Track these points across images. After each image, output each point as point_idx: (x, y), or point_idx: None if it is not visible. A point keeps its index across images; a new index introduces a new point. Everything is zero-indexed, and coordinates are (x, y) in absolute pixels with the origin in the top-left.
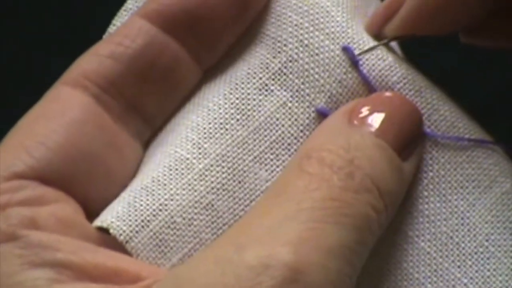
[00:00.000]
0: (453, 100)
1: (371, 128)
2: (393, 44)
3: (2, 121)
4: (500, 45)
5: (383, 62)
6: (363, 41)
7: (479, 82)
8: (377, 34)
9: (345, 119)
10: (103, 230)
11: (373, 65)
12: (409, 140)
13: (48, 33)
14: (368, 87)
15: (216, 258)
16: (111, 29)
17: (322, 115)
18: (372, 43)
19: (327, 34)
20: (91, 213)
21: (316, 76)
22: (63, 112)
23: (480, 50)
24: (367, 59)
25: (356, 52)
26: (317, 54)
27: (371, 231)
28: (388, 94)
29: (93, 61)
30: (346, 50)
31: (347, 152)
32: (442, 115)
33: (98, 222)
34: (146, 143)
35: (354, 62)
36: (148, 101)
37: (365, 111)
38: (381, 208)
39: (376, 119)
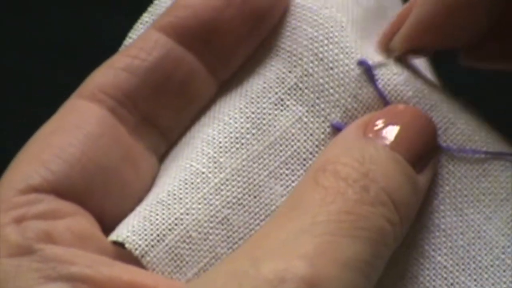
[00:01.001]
0: (471, 111)
1: (385, 141)
2: (419, 61)
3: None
4: (498, 67)
5: (398, 77)
6: (378, 53)
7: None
8: (386, 49)
9: (359, 132)
10: (119, 244)
11: (388, 79)
12: (423, 152)
13: (55, 41)
14: (383, 102)
15: (233, 271)
16: (127, 41)
17: (337, 130)
18: (384, 59)
19: (341, 48)
20: (107, 227)
21: (331, 90)
22: (79, 125)
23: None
24: (382, 74)
25: (372, 65)
26: (331, 68)
27: (386, 245)
28: (402, 107)
29: (109, 74)
30: (361, 64)
31: (361, 165)
32: (459, 128)
33: (113, 236)
34: (162, 157)
35: (369, 76)
36: (163, 114)
37: (379, 124)
38: (396, 221)
39: (390, 132)
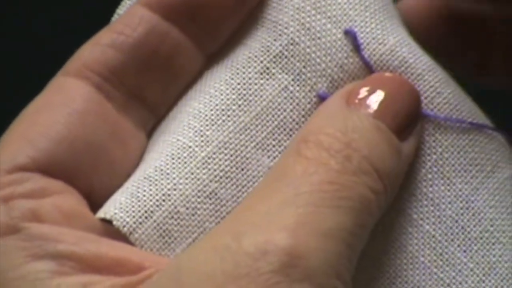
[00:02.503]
0: (456, 84)
1: (369, 110)
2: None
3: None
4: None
5: (383, 47)
6: (365, 22)
7: None
8: None
9: (343, 102)
10: (107, 222)
11: (374, 49)
12: (408, 120)
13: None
14: (369, 71)
15: (215, 246)
16: (114, 18)
17: (323, 99)
18: (374, 23)
19: (329, 17)
20: (95, 204)
21: (318, 60)
22: (65, 102)
23: None
24: (368, 44)
25: (358, 35)
26: (319, 38)
27: (370, 213)
28: (385, 75)
29: (95, 50)
30: (348, 33)
31: (344, 135)
32: (445, 98)
33: (101, 213)
34: (150, 132)
35: (355, 46)
36: (151, 90)
37: (363, 92)
38: (380, 190)
39: (374, 101)
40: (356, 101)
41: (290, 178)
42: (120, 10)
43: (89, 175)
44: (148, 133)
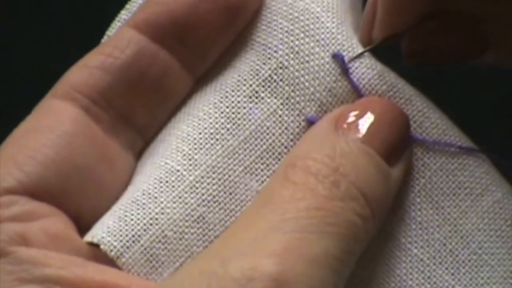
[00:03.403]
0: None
1: (357, 134)
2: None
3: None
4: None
5: (372, 71)
6: (353, 47)
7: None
8: (370, 41)
9: (331, 126)
10: (94, 245)
11: (363, 73)
12: (396, 145)
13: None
14: (358, 95)
15: (201, 271)
16: (104, 39)
17: (312, 124)
18: (361, 48)
19: (317, 41)
20: (83, 227)
21: (306, 84)
22: (53, 125)
23: None
24: (356, 68)
25: (346, 59)
26: (307, 62)
27: (358, 239)
28: (374, 99)
29: (83, 73)
30: (336, 57)
31: (332, 160)
32: (434, 122)
33: (89, 237)
34: (139, 154)
35: (344, 70)
36: (139, 112)
37: (351, 117)
38: (368, 216)
39: (362, 125)
40: (345, 125)
41: (277, 203)
42: (110, 32)
43: (77, 198)
44: (136, 155)
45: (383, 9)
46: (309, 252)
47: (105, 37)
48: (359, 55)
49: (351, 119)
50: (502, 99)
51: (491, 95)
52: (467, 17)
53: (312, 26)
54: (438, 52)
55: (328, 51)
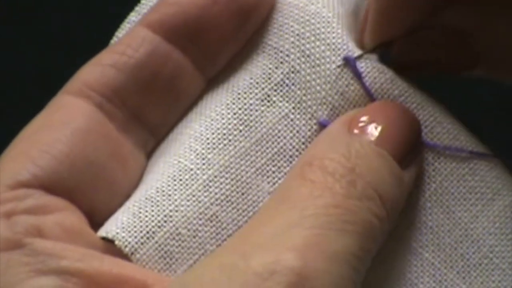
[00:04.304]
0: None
1: (370, 137)
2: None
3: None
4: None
5: (384, 76)
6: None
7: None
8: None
9: (345, 128)
10: (108, 240)
11: (375, 78)
12: (408, 149)
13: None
14: (370, 99)
15: (222, 265)
16: (114, 41)
17: (324, 127)
18: (373, 54)
19: (328, 44)
20: (96, 222)
21: (318, 88)
22: (66, 121)
23: None
24: (368, 72)
25: (358, 64)
26: (318, 65)
27: (374, 238)
28: (387, 103)
29: (96, 70)
30: (347, 61)
31: (348, 160)
32: (445, 127)
33: (103, 232)
34: (150, 153)
35: (356, 74)
36: (151, 111)
37: (364, 120)
38: (383, 216)
39: (375, 128)
40: (358, 128)
41: (296, 200)
42: (119, 33)
43: (90, 194)
44: (147, 154)
45: (372, 18)
46: (329, 249)
47: (114, 38)
48: (359, 57)
49: (363, 122)
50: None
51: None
52: (456, 32)
53: (323, 30)
54: (427, 64)
55: (339, 55)
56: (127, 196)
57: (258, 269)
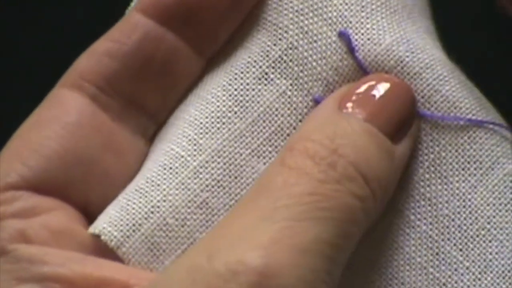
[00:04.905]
0: (459, 76)
1: (361, 113)
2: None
3: None
4: None
5: (379, 47)
6: (360, 23)
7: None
8: None
9: (335, 105)
10: (98, 237)
11: (369, 50)
12: (401, 122)
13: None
14: (364, 73)
15: (189, 266)
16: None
17: (318, 104)
18: (370, 23)
19: (325, 19)
20: (94, 217)
21: (314, 63)
22: (58, 116)
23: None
24: (362, 45)
25: (353, 36)
26: (315, 41)
27: (355, 221)
28: (378, 76)
29: (91, 60)
30: (342, 35)
31: (332, 141)
32: (443, 95)
33: (91, 228)
34: (152, 138)
35: (349, 48)
36: (148, 96)
37: (355, 95)
38: (367, 195)
39: (366, 103)
40: (349, 104)
41: (270, 190)
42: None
43: (83, 189)
44: (149, 140)
45: None
46: (298, 241)
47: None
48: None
49: (354, 97)
50: None
51: None
52: None
53: (320, 5)
54: None
55: (335, 29)
56: (124, 187)
57: (221, 270)
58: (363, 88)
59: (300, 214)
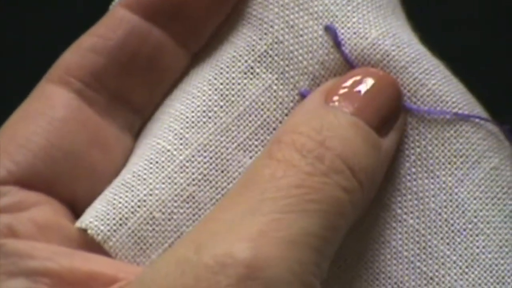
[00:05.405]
0: (444, 71)
1: (347, 106)
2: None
3: None
4: None
5: (365, 41)
6: (346, 17)
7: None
8: None
9: (321, 99)
10: (84, 231)
11: (355, 44)
12: (387, 116)
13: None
14: (350, 67)
15: (177, 259)
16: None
17: (305, 97)
18: (356, 17)
19: (310, 14)
20: (80, 212)
21: (300, 58)
22: (44, 111)
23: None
24: (349, 39)
25: (339, 30)
26: (301, 36)
27: (342, 214)
28: (364, 70)
29: (76, 55)
30: (328, 29)
31: (319, 133)
32: (430, 89)
33: (78, 223)
34: (138, 134)
35: (335, 41)
36: (134, 91)
37: (342, 89)
38: (354, 188)
39: (353, 97)
40: (335, 98)
41: (257, 183)
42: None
43: (70, 184)
44: (135, 135)
45: None
46: (286, 234)
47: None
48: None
49: (341, 91)
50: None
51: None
52: None
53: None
54: None
55: (321, 24)
56: (110, 182)
57: (210, 262)
58: (349, 82)
59: (288, 207)
